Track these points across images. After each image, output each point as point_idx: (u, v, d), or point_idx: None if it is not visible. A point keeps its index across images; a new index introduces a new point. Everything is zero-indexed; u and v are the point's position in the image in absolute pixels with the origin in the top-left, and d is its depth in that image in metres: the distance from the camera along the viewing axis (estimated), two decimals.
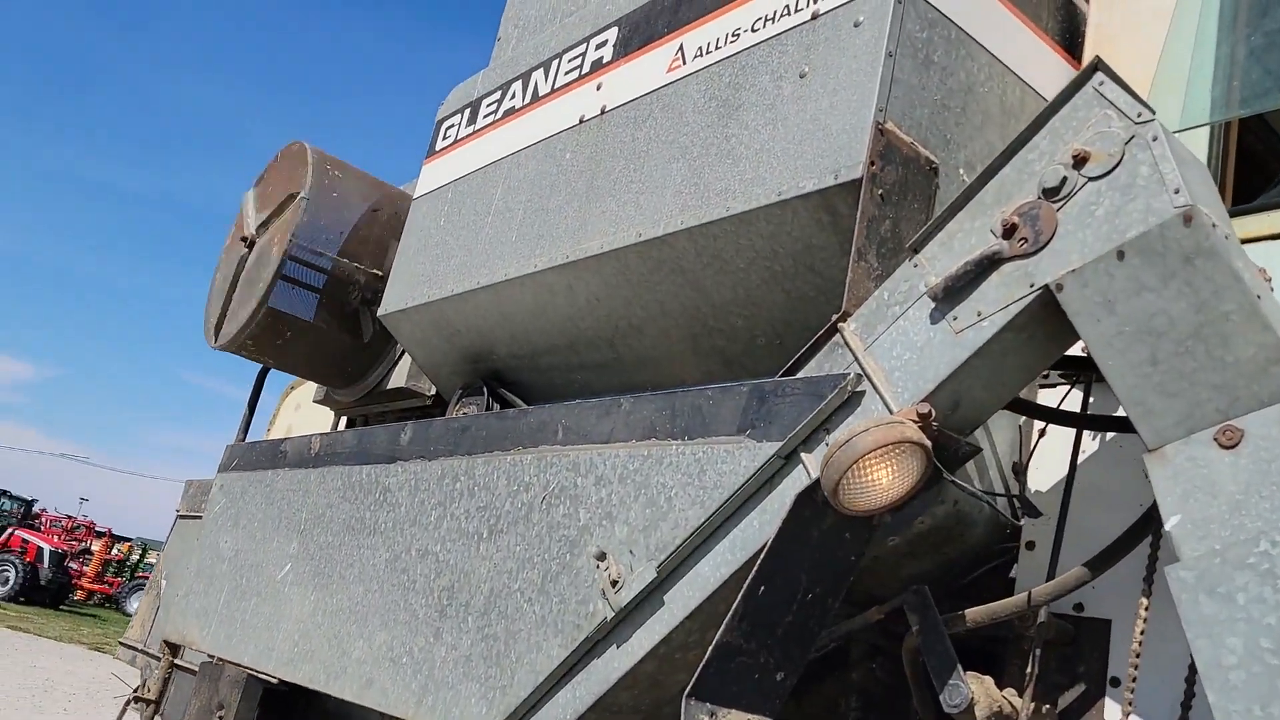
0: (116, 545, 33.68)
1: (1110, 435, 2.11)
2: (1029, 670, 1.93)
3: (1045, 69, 2.54)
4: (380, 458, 3.15)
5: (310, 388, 6.69)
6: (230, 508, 4.01)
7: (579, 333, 3.02)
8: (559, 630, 2.23)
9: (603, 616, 2.13)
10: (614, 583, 2.12)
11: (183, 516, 6.78)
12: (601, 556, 2.17)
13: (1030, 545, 2.13)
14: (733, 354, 2.66)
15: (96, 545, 31.81)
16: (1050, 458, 2.19)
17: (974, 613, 1.91)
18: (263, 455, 3.95)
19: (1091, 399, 2.11)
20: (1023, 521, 2.09)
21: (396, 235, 4.05)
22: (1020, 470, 2.17)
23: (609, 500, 2.24)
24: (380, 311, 3.68)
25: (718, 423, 2.06)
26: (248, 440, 4.50)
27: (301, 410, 6.49)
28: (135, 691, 5.52)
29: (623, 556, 2.14)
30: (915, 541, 2.16)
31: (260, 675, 3.47)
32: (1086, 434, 2.10)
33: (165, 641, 4.11)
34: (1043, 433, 2.20)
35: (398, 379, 4.02)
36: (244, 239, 4.05)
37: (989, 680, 1.90)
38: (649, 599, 2.08)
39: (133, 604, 28.38)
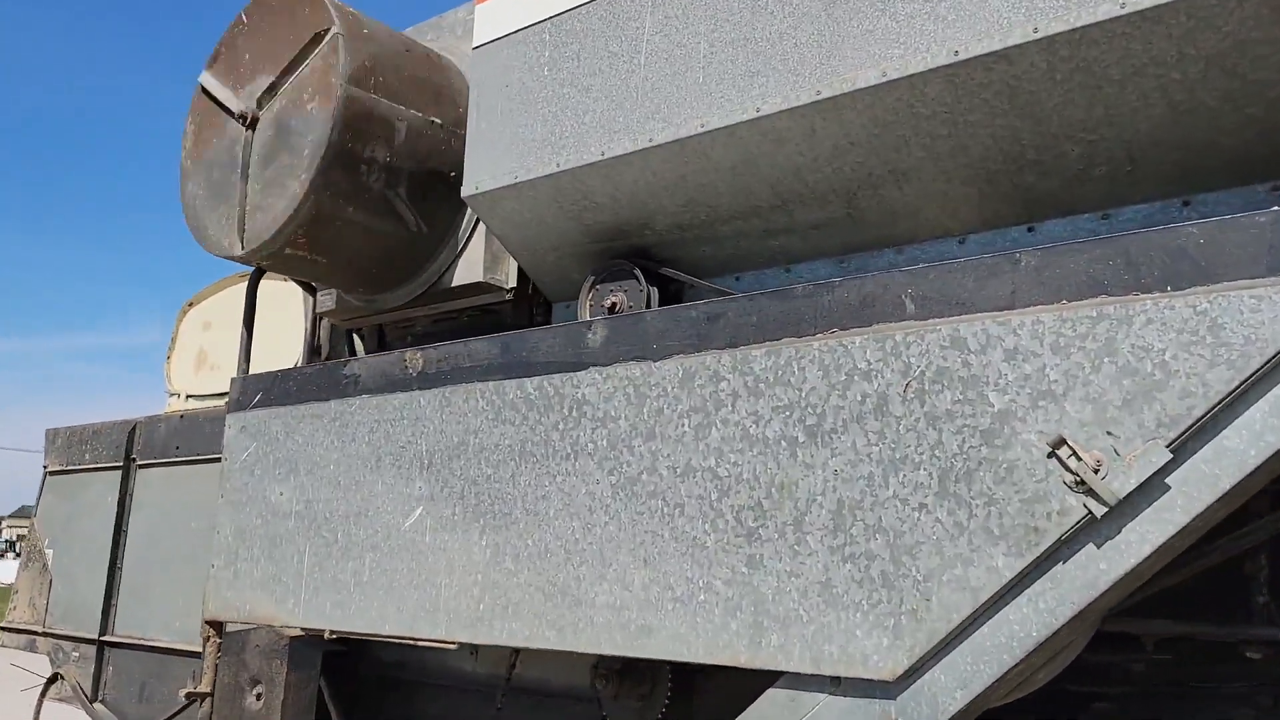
0: None
1: None
2: None
3: None
4: (556, 366, 2.58)
5: (221, 303, 5.69)
6: (272, 452, 3.28)
7: (805, 188, 2.53)
8: (999, 536, 1.86)
9: (1081, 513, 1.78)
10: (1096, 470, 1.76)
11: (54, 472, 5.72)
12: (1059, 443, 1.80)
13: None
14: (1043, 191, 2.29)
15: None
16: None
17: None
18: (311, 385, 3.22)
19: None
20: None
21: (436, 89, 3.31)
22: None
23: (1043, 375, 1.85)
24: (466, 191, 3.00)
25: (1224, 265, 1.70)
26: (253, 370, 3.68)
27: (214, 329, 5.52)
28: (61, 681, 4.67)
29: (1095, 441, 1.79)
30: None
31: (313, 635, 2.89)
32: None
33: (207, 621, 3.38)
34: None
35: (466, 273, 3.34)
36: (242, 116, 3.17)
37: None
38: (1149, 485, 1.74)
39: None
